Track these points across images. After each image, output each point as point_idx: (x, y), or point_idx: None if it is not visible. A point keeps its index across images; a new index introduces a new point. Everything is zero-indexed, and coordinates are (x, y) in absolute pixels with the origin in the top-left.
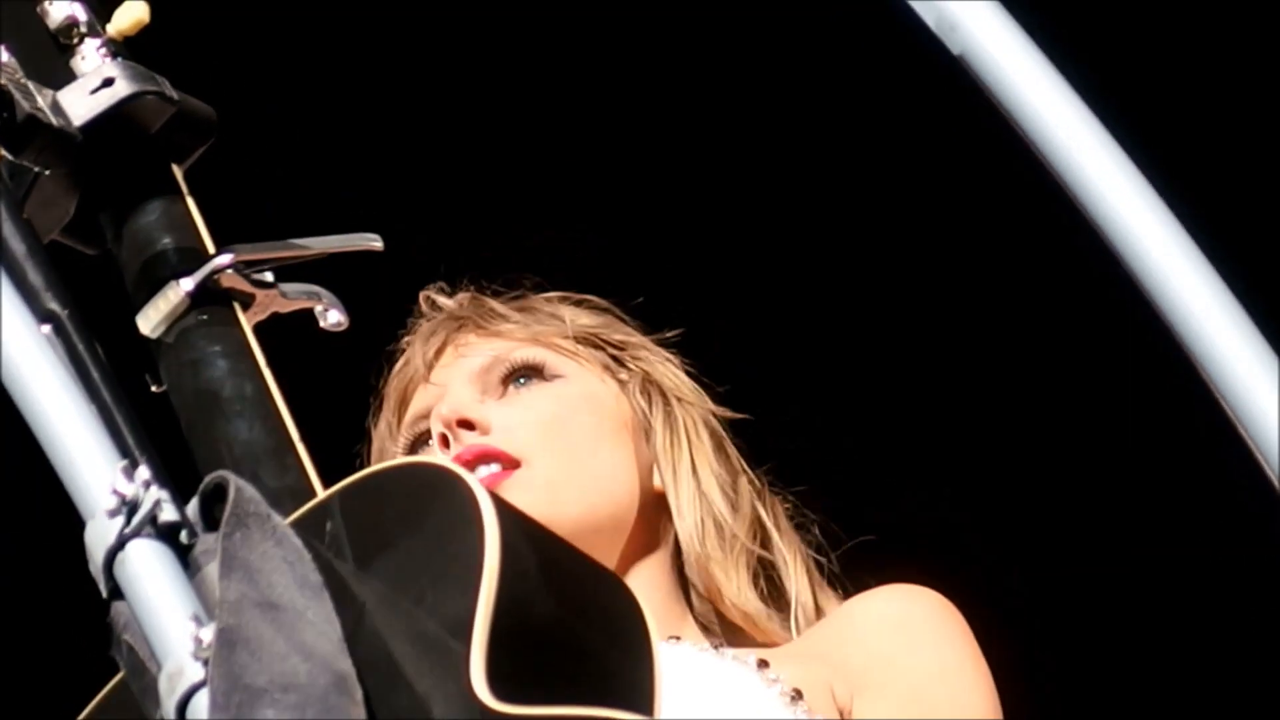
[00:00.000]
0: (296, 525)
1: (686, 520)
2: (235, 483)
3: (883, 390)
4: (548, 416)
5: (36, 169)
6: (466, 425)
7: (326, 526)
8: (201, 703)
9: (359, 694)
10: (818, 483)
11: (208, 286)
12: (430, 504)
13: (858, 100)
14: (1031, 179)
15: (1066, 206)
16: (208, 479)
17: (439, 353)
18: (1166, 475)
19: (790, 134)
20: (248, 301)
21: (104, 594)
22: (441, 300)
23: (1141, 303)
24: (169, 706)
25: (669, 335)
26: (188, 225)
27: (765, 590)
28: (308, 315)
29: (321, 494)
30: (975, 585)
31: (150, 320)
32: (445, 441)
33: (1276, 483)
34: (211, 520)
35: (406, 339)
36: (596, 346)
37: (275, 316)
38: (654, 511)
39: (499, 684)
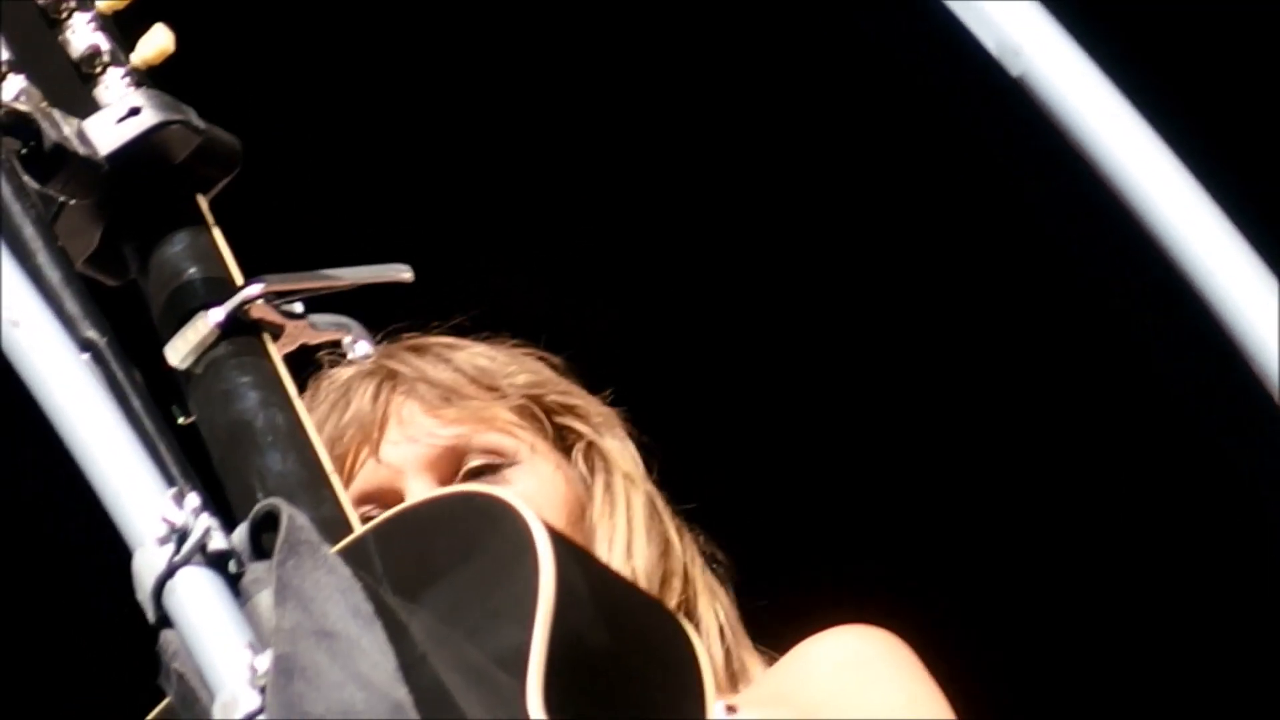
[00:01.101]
0: (342, 555)
1: None
2: (287, 510)
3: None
4: None
5: (62, 198)
6: None
7: (371, 557)
8: None
9: None
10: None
11: (237, 317)
12: (483, 534)
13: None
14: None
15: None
16: (259, 506)
17: (383, 424)
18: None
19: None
20: (277, 332)
21: (151, 621)
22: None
23: (1217, 330)
24: None
25: (604, 395)
26: (215, 256)
27: None
28: None
29: (363, 525)
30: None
31: (179, 351)
32: None
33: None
34: (260, 549)
35: (338, 380)
36: (536, 416)
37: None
38: None
39: (555, 715)
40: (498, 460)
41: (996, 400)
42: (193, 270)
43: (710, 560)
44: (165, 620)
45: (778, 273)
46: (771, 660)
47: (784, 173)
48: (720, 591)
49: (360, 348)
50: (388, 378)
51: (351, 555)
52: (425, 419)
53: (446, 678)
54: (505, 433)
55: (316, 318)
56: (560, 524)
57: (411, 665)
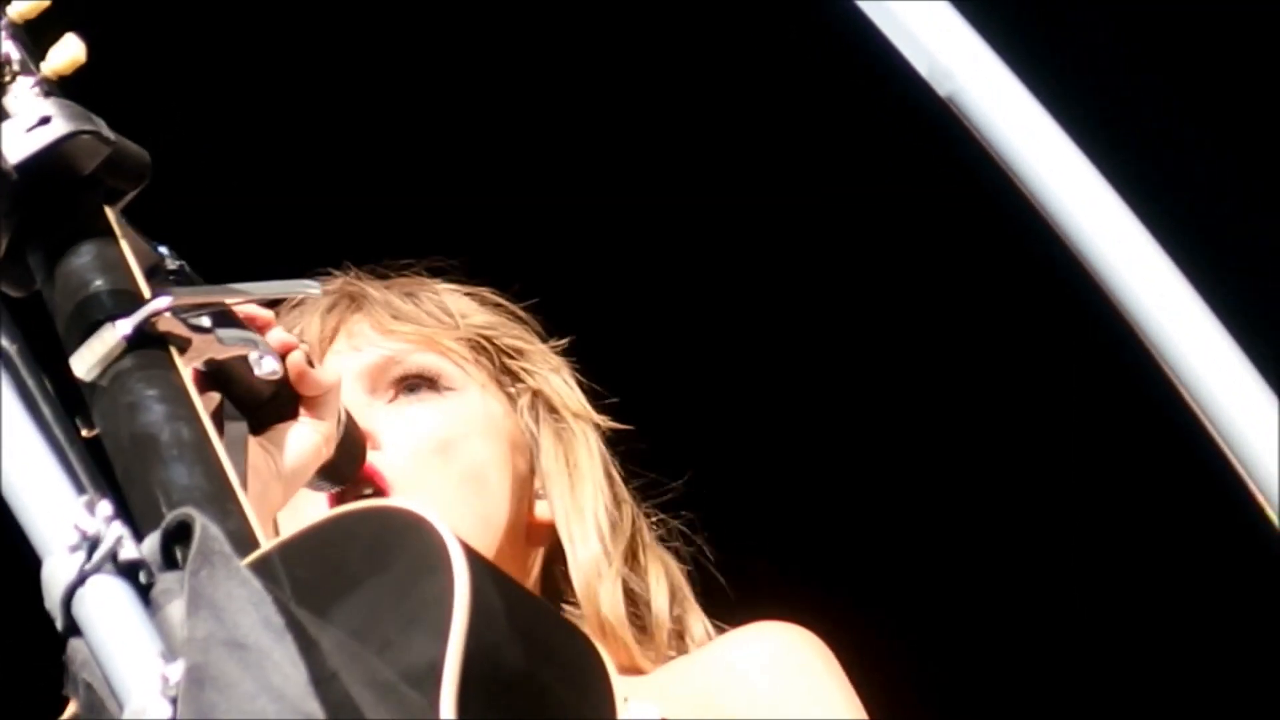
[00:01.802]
0: (252, 568)
1: (583, 546)
2: (201, 520)
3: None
4: (438, 438)
5: None
6: None
7: (278, 573)
8: None
9: None
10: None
11: (144, 330)
12: (395, 548)
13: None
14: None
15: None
16: (171, 516)
17: (332, 336)
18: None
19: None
20: (184, 346)
21: (60, 629)
22: (335, 278)
23: (1137, 344)
24: None
25: (559, 343)
26: (122, 267)
27: (632, 612)
28: None
29: (275, 539)
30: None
31: (85, 362)
32: None
33: (1277, 522)
34: (171, 559)
35: (298, 308)
36: (487, 353)
37: None
38: (526, 535)
39: None
40: (435, 384)
41: (956, 398)
42: (100, 282)
43: (664, 526)
44: (74, 629)
45: (764, 272)
46: (720, 632)
47: (776, 163)
48: (669, 555)
49: (266, 364)
50: (346, 297)
51: (259, 570)
52: (371, 333)
53: (357, 693)
54: (446, 358)
55: (223, 332)
56: (501, 461)
57: (322, 680)
